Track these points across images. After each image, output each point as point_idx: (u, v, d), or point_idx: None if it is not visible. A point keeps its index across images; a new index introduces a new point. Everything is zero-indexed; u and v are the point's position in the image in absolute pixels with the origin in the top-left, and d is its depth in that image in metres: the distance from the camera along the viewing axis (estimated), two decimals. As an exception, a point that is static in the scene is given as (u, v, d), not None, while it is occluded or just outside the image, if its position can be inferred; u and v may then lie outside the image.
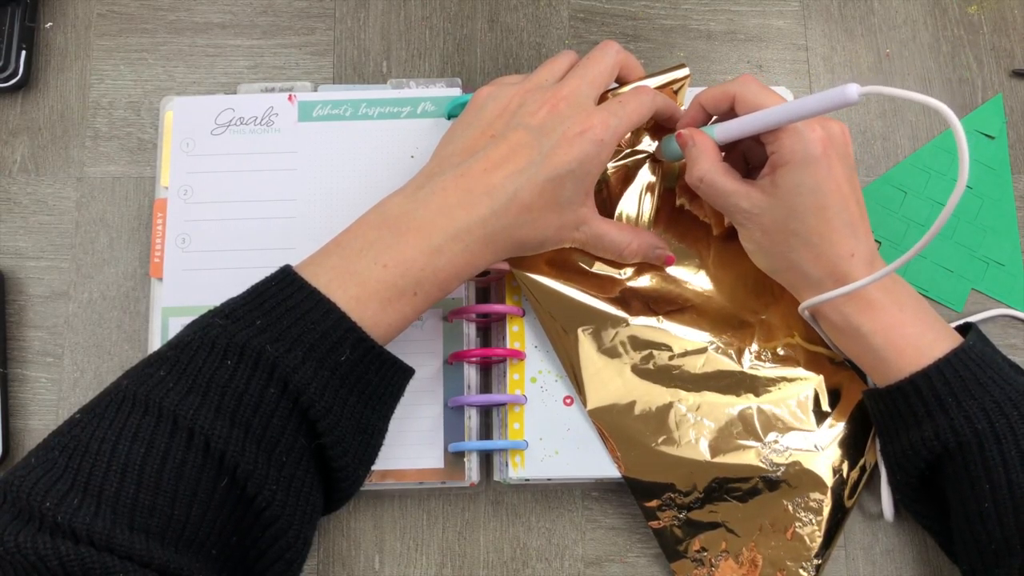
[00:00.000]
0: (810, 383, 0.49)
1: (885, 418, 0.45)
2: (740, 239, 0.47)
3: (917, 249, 0.39)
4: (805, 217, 0.43)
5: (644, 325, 0.50)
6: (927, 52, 0.57)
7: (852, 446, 0.49)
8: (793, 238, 0.44)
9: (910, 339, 0.44)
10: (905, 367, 0.43)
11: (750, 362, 0.50)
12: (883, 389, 0.44)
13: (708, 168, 0.45)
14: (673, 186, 0.52)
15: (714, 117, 0.48)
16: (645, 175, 0.51)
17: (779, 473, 0.48)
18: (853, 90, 0.37)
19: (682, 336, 0.50)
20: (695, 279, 0.51)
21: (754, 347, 0.50)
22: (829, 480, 0.48)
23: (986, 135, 0.55)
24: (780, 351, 0.50)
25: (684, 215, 0.52)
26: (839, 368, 0.50)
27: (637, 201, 0.51)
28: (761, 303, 0.50)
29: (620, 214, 0.51)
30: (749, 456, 0.48)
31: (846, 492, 0.48)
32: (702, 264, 0.51)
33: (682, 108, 0.51)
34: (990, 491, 0.41)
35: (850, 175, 0.44)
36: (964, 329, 0.46)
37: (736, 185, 0.45)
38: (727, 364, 0.49)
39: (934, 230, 0.38)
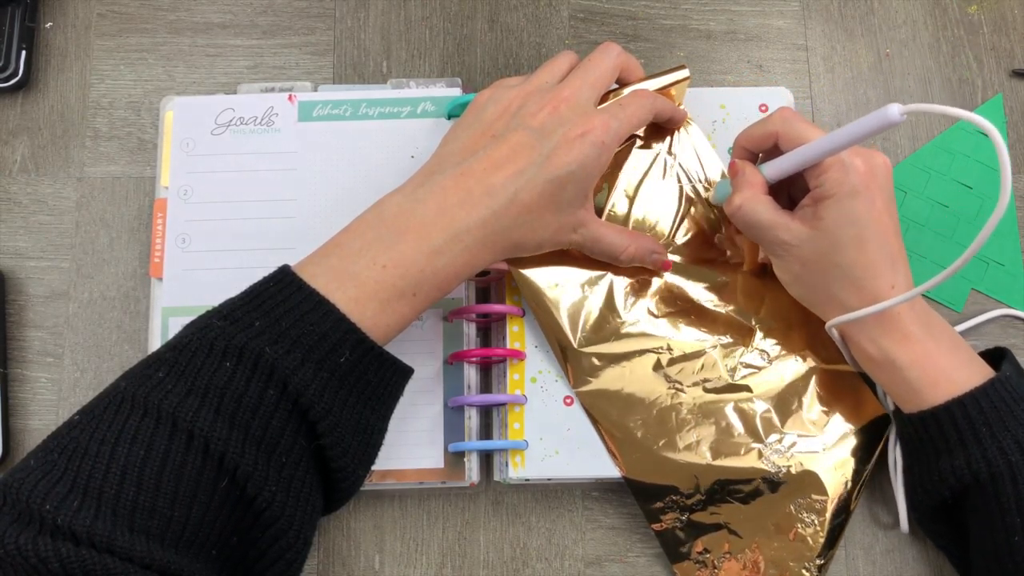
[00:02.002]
0: (811, 384, 0.49)
1: (914, 442, 0.45)
2: (775, 270, 0.47)
3: (951, 271, 0.39)
4: (847, 250, 0.43)
5: (644, 325, 0.50)
6: (927, 52, 0.57)
7: (857, 448, 0.48)
8: (834, 270, 0.44)
9: (945, 372, 0.43)
10: (938, 397, 0.43)
11: (750, 362, 0.50)
12: (915, 414, 0.44)
13: (749, 196, 0.45)
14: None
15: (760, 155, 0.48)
16: (636, 173, 0.51)
17: (781, 474, 0.48)
18: (895, 111, 0.37)
19: (682, 337, 0.50)
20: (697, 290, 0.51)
21: (753, 347, 0.50)
22: (831, 481, 0.48)
23: (986, 135, 0.55)
24: (781, 351, 0.50)
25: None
26: (840, 368, 0.50)
27: (640, 202, 0.51)
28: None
29: (618, 214, 0.51)
30: (751, 457, 0.48)
31: (849, 493, 0.48)
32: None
33: (681, 108, 0.52)
34: (1021, 525, 0.40)
35: (890, 207, 0.44)
36: (994, 355, 0.46)
37: (776, 216, 0.44)
38: (727, 365, 0.49)
39: (971, 252, 0.37)
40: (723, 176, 0.51)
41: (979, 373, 0.43)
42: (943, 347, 0.44)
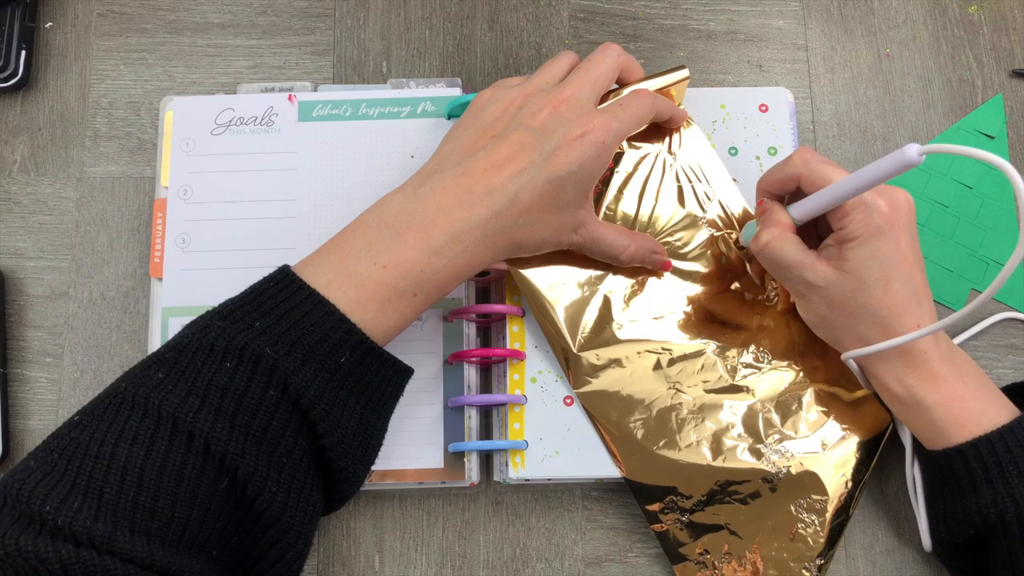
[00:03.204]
0: (811, 385, 0.49)
1: (937, 478, 0.45)
2: (800, 310, 0.47)
3: (979, 303, 0.38)
4: (873, 290, 0.43)
5: (643, 325, 0.50)
6: (927, 52, 0.57)
7: (857, 449, 0.48)
8: (860, 311, 0.44)
9: (972, 414, 0.43)
10: (964, 436, 0.43)
11: (750, 363, 0.49)
12: (940, 452, 0.44)
13: (776, 234, 0.44)
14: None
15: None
16: (644, 173, 0.51)
17: (781, 475, 0.48)
18: (913, 152, 0.36)
19: (681, 338, 0.50)
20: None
21: (752, 348, 0.50)
22: (831, 481, 0.48)
23: (986, 135, 0.55)
24: (779, 354, 0.50)
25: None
26: (841, 368, 0.50)
27: (639, 202, 0.51)
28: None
29: (618, 213, 0.51)
30: (751, 458, 0.48)
31: (849, 493, 0.48)
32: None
33: (681, 108, 0.52)
34: None
35: (914, 244, 0.44)
36: (1017, 389, 0.46)
37: (803, 256, 0.44)
38: (727, 366, 0.49)
39: (996, 285, 0.37)
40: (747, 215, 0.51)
41: (1005, 411, 0.43)
42: (970, 388, 0.44)
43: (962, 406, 0.43)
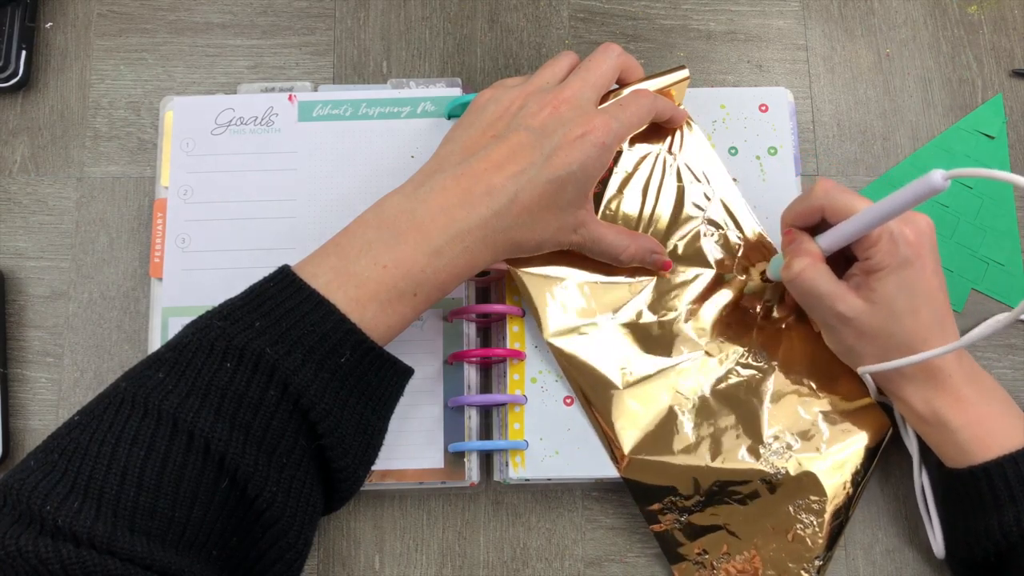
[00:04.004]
0: (811, 387, 0.49)
1: (958, 495, 0.45)
2: (827, 341, 0.47)
3: (1008, 320, 0.38)
4: (902, 320, 0.43)
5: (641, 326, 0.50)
6: (927, 52, 0.57)
7: (857, 450, 0.48)
8: (889, 340, 0.44)
9: (996, 435, 0.43)
10: (987, 456, 0.43)
11: (750, 363, 0.49)
12: (964, 470, 0.44)
13: (807, 264, 0.44)
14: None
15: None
16: (644, 173, 0.51)
17: (780, 475, 0.48)
18: (938, 177, 0.36)
19: (678, 339, 0.50)
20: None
21: (754, 349, 0.50)
22: (830, 482, 0.48)
23: (986, 135, 0.55)
24: (772, 359, 0.50)
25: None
26: (844, 378, 0.49)
27: (640, 201, 0.51)
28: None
29: (618, 213, 0.51)
30: (749, 459, 0.48)
31: (848, 495, 0.48)
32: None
33: (681, 108, 0.52)
34: None
35: (938, 269, 0.44)
36: None
37: (834, 287, 0.44)
38: (727, 366, 0.49)
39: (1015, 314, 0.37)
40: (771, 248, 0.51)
41: None
42: (994, 409, 0.44)
43: (986, 427, 0.43)
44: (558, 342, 0.49)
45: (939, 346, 0.43)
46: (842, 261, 0.46)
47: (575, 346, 0.49)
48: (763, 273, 0.49)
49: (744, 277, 0.50)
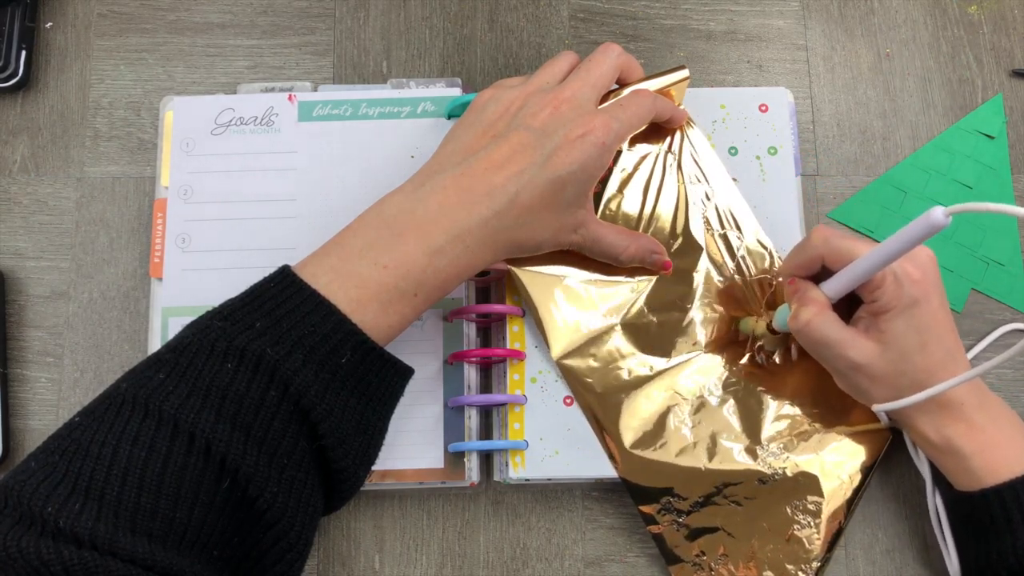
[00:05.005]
0: (810, 388, 0.49)
1: (969, 519, 0.44)
2: (839, 385, 0.47)
3: (988, 367, 0.38)
4: (912, 358, 0.43)
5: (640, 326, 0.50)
6: (927, 52, 0.57)
7: (855, 451, 0.48)
8: (900, 379, 0.44)
9: (1007, 459, 0.43)
10: (999, 479, 0.43)
11: (748, 364, 0.50)
12: (976, 493, 0.43)
13: (815, 312, 0.44)
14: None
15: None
16: (645, 173, 0.51)
17: (777, 476, 0.48)
18: (939, 215, 0.35)
19: (677, 340, 0.50)
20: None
21: (751, 351, 0.50)
22: (828, 483, 0.48)
23: (986, 135, 0.55)
24: (772, 359, 0.50)
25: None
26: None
27: (640, 201, 0.51)
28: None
29: (618, 213, 0.51)
30: (747, 460, 0.48)
31: (846, 496, 0.48)
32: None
33: (681, 108, 0.52)
34: None
35: (944, 302, 0.44)
36: None
37: (844, 333, 0.44)
38: (724, 367, 0.49)
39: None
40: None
41: None
42: (1005, 432, 0.44)
43: (998, 452, 0.43)
44: (568, 362, 0.49)
45: (948, 374, 0.43)
46: (845, 303, 0.45)
47: (582, 362, 0.49)
48: (769, 324, 0.49)
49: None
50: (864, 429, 0.49)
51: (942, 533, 0.47)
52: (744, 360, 0.50)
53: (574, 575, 0.50)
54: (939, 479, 0.47)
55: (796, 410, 0.49)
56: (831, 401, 0.49)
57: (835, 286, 0.44)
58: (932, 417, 0.44)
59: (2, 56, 0.55)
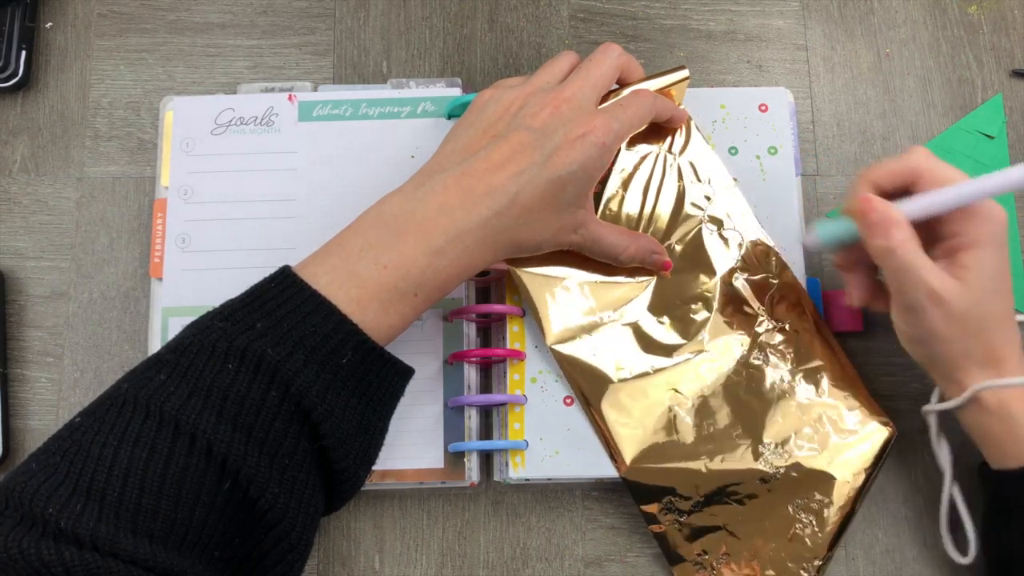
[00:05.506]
0: (810, 388, 0.49)
1: (1010, 500, 0.43)
2: (903, 325, 0.44)
3: None
4: (991, 300, 0.41)
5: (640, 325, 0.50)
6: (927, 52, 0.57)
7: (857, 450, 0.48)
8: (976, 322, 0.42)
9: None
10: None
11: (748, 364, 0.50)
12: (1017, 470, 0.42)
13: (906, 237, 0.41)
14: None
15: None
16: (645, 174, 0.51)
17: (779, 475, 0.48)
18: None
19: (678, 339, 0.50)
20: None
21: (754, 350, 0.50)
22: (829, 482, 0.48)
23: (986, 135, 0.55)
24: (773, 358, 0.50)
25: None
26: (843, 365, 0.50)
27: (640, 201, 0.51)
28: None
29: (618, 213, 0.51)
30: (749, 459, 0.48)
31: (848, 495, 0.48)
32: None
33: (681, 107, 0.52)
34: None
35: (1008, 257, 0.43)
36: None
37: (930, 263, 0.41)
38: (726, 366, 0.49)
39: None
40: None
41: None
42: None
43: None
44: (560, 348, 0.49)
45: (1010, 335, 0.42)
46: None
47: (576, 349, 0.49)
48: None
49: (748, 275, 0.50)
50: (867, 429, 0.48)
51: (949, 528, 0.47)
52: (744, 361, 0.50)
53: (574, 575, 0.50)
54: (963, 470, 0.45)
55: (798, 410, 0.49)
56: (834, 401, 0.49)
57: (920, 207, 0.41)
58: (988, 376, 0.42)
59: (2, 56, 0.55)
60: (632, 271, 0.50)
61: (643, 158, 0.52)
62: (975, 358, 0.43)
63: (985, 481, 0.45)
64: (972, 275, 0.41)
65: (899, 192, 0.43)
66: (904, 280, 0.42)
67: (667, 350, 0.49)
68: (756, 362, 0.50)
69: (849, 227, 0.44)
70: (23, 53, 0.55)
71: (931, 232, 0.43)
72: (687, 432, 0.48)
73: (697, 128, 0.53)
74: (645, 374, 0.49)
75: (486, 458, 0.50)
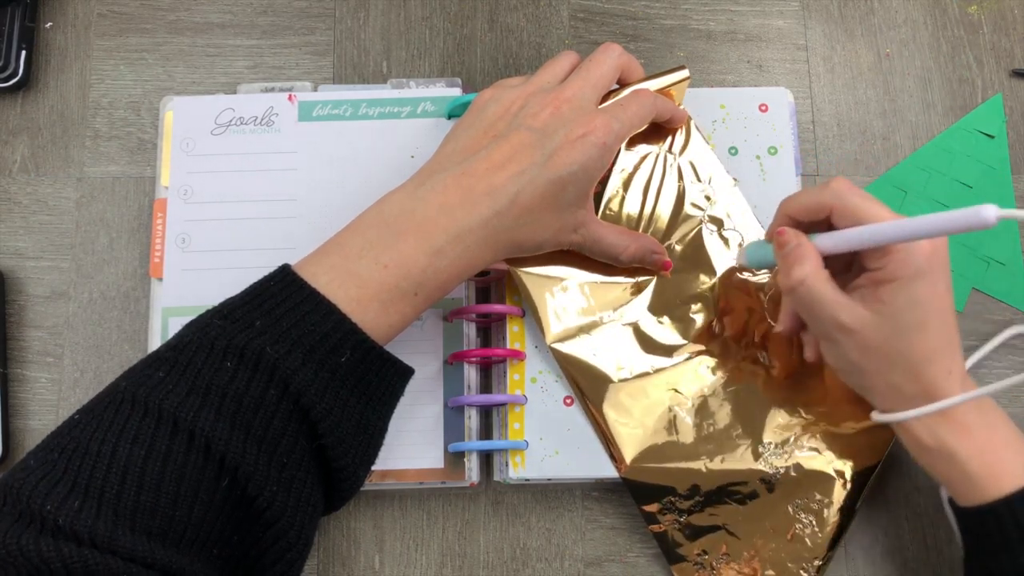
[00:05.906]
0: (811, 388, 0.49)
1: (972, 536, 0.43)
2: (826, 356, 0.44)
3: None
4: (910, 335, 0.40)
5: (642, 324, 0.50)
6: (927, 52, 0.57)
7: (857, 451, 0.48)
8: (895, 356, 0.41)
9: (1006, 465, 0.41)
10: (1001, 490, 0.40)
11: (749, 364, 0.50)
12: (973, 509, 0.41)
13: (811, 271, 0.41)
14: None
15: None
16: (645, 174, 0.51)
17: (779, 475, 0.48)
18: (990, 214, 0.32)
19: (678, 339, 0.50)
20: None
21: (752, 349, 0.50)
22: (829, 482, 0.48)
23: (986, 135, 0.55)
24: (773, 359, 0.50)
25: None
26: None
27: (640, 201, 0.51)
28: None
29: (618, 213, 0.51)
30: (749, 459, 0.48)
31: (848, 495, 0.48)
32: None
33: (681, 107, 0.52)
34: None
35: (949, 285, 0.41)
36: None
37: (838, 296, 0.41)
38: (726, 366, 0.49)
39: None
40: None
41: None
42: (1000, 437, 0.42)
43: (996, 456, 0.41)
44: (560, 346, 0.49)
45: (945, 368, 0.41)
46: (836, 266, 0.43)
47: (575, 348, 0.49)
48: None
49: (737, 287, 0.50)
50: (868, 429, 0.48)
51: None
52: (745, 360, 0.50)
53: (574, 575, 0.50)
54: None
55: (799, 410, 0.49)
56: (834, 401, 0.49)
57: (833, 243, 0.41)
58: (924, 417, 0.42)
59: (2, 56, 0.55)
60: (632, 271, 0.50)
61: (643, 158, 0.52)
62: (906, 393, 0.42)
63: (952, 511, 0.44)
64: (888, 309, 0.40)
65: (821, 225, 0.43)
66: (811, 312, 0.42)
67: (667, 350, 0.49)
68: (758, 362, 0.50)
69: (771, 254, 0.44)
70: (23, 53, 0.55)
71: (861, 261, 0.42)
72: (687, 432, 0.48)
73: (697, 128, 0.53)
74: (645, 374, 0.49)
75: (486, 458, 0.50)
